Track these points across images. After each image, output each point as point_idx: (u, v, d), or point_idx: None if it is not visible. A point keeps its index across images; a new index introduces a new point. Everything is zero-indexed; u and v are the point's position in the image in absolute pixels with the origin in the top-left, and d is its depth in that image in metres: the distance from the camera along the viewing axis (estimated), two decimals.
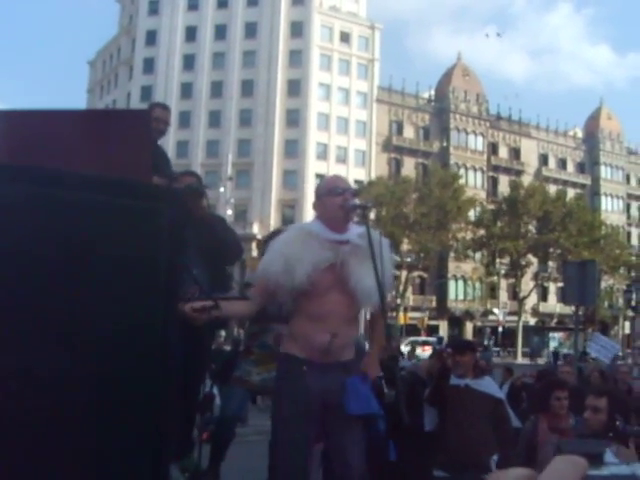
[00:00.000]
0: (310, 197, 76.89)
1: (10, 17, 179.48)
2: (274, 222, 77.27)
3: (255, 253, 65.82)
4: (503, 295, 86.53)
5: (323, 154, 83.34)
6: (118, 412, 3.42)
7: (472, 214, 77.03)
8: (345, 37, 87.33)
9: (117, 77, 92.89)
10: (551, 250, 77.57)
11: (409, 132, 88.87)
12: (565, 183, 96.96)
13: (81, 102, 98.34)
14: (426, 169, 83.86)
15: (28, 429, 3.28)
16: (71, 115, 4.74)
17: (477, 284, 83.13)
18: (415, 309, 76.06)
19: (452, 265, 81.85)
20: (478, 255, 79.70)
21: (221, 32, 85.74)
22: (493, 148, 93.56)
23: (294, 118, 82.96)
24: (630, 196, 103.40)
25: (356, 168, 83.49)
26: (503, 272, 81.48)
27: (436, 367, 8.46)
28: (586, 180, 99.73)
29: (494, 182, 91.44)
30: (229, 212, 60.76)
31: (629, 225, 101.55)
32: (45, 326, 3.32)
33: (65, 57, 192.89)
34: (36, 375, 3.27)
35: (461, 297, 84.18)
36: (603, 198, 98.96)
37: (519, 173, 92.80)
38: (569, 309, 56.69)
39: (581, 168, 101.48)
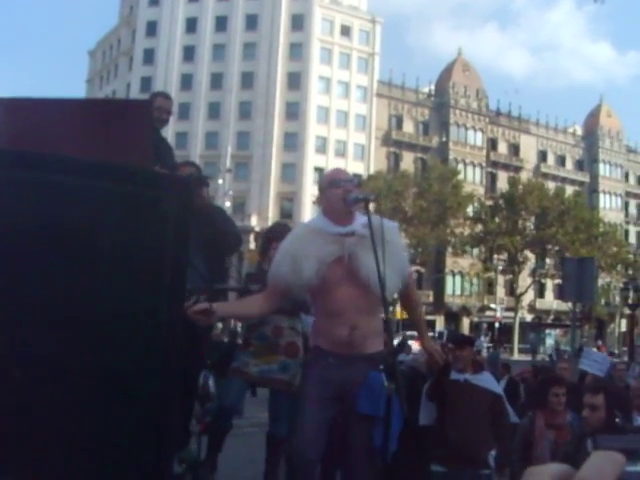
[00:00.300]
0: (309, 190, 77.27)
1: (11, 6, 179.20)
2: (272, 215, 77.29)
3: (253, 245, 65.92)
4: (500, 291, 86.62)
5: (322, 147, 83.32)
6: (121, 403, 3.40)
7: (470, 210, 77.01)
8: (346, 30, 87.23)
9: (117, 67, 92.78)
10: (549, 247, 77.60)
11: (408, 127, 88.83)
12: (564, 180, 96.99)
13: (80, 92, 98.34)
14: (425, 164, 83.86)
15: (31, 420, 3.27)
16: (72, 104, 4.72)
17: (474, 280, 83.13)
18: None
19: (450, 260, 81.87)
20: (476, 251, 79.71)
21: (222, 24, 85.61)
22: (492, 144, 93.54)
23: (294, 111, 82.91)
24: (628, 194, 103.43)
25: (355, 162, 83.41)
26: (500, 268, 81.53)
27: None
28: (585, 177, 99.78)
29: (493, 178, 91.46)
30: (227, 204, 60.68)
31: (627, 223, 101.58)
32: (45, 315, 3.30)
33: (65, 47, 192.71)
34: (38, 365, 3.25)
35: (458, 292, 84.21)
36: (601, 196, 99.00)
37: (518, 169, 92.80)
38: (566, 306, 56.88)
39: (580, 165, 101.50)
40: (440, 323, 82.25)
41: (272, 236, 7.29)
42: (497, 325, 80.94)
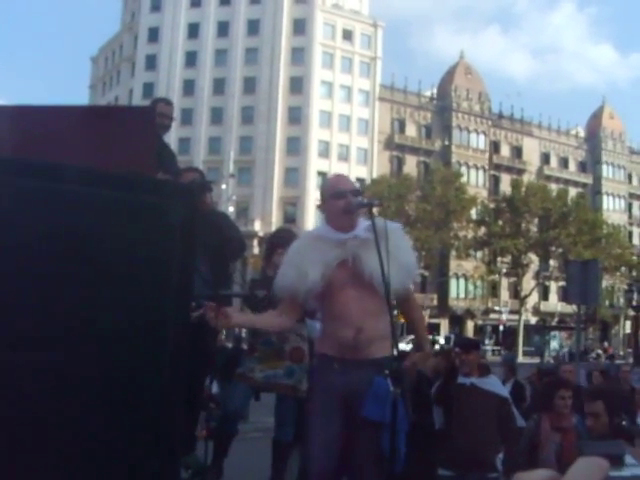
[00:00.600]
0: (312, 195, 77.17)
1: (13, 12, 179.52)
2: (275, 219, 77.30)
3: (257, 250, 65.90)
4: (504, 294, 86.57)
5: (325, 152, 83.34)
6: (127, 409, 3.40)
7: (473, 212, 76.98)
8: (347, 35, 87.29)
9: (119, 73, 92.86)
10: (552, 249, 77.53)
11: (411, 130, 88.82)
12: (567, 182, 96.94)
13: (83, 98, 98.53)
14: (428, 167, 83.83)
15: (39, 425, 3.27)
16: (75, 111, 4.73)
17: (478, 282, 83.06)
18: None
19: (453, 263, 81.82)
20: (479, 254, 79.66)
21: (223, 29, 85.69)
22: (495, 147, 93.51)
23: (296, 116, 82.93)
24: (632, 195, 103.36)
25: (358, 166, 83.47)
26: (504, 271, 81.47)
27: (443, 366, 8.44)
28: (588, 179, 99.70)
29: (496, 181, 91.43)
30: (231, 209, 60.72)
31: (630, 224, 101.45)
32: (52, 323, 3.30)
33: (68, 53, 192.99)
34: (43, 372, 3.25)
35: (462, 295, 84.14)
36: (605, 197, 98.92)
37: (521, 172, 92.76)
38: (570, 308, 56.74)
39: (583, 167, 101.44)
40: (444, 326, 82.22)
41: (276, 242, 7.29)
42: (501, 328, 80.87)
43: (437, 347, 32.99)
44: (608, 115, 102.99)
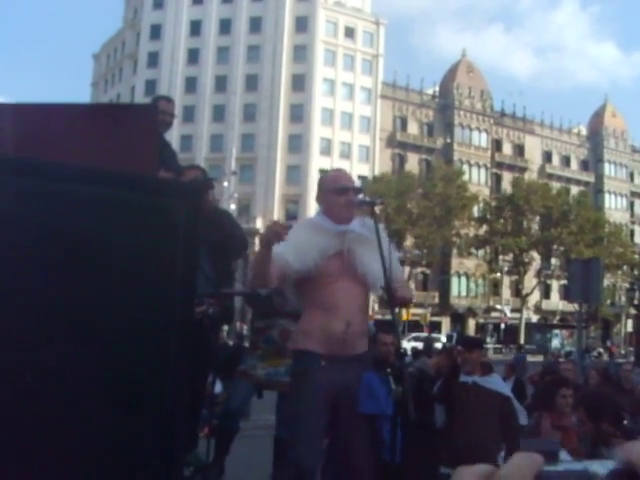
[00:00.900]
0: (313, 192, 75.87)
1: (15, 10, 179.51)
2: (277, 217, 77.16)
3: (258, 248, 65.84)
4: (506, 292, 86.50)
5: (327, 149, 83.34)
6: (130, 408, 3.40)
7: (475, 211, 76.98)
8: (350, 32, 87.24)
9: (121, 71, 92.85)
10: (554, 247, 77.52)
11: (413, 128, 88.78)
12: (569, 180, 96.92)
13: (85, 95, 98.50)
14: (430, 165, 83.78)
15: (40, 424, 3.27)
16: (77, 109, 4.72)
17: (480, 281, 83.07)
18: (418, 305, 75.86)
19: (455, 261, 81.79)
20: (481, 252, 79.63)
21: (226, 26, 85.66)
22: (497, 145, 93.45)
23: (298, 113, 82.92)
24: (634, 194, 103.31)
25: (360, 164, 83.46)
26: (506, 269, 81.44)
27: (445, 364, 8.45)
28: (590, 178, 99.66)
29: (498, 179, 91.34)
30: (232, 207, 60.71)
31: (632, 223, 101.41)
32: (56, 323, 3.30)
33: (70, 50, 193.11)
34: (49, 371, 3.25)
35: (464, 294, 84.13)
36: (607, 196, 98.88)
37: (523, 170, 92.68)
38: (572, 306, 56.66)
39: (585, 165, 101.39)
40: (446, 325, 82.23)
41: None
42: (503, 326, 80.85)
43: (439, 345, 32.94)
44: (610, 113, 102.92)
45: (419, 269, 78.25)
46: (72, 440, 3.32)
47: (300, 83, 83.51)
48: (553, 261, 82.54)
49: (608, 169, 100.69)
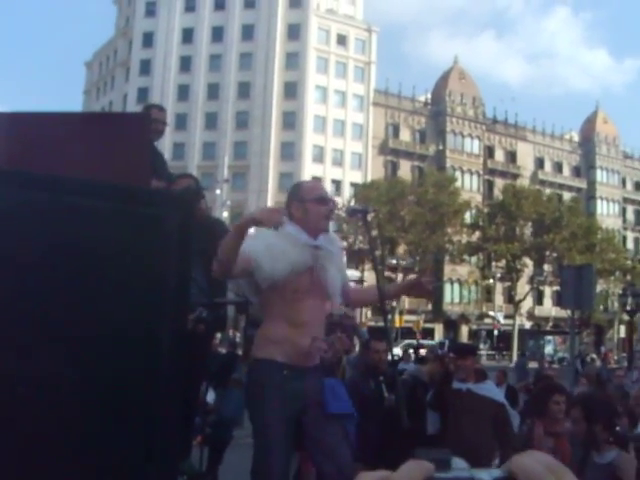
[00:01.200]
0: None
1: (7, 18, 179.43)
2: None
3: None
4: (499, 298, 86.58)
5: (319, 157, 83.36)
6: (123, 417, 3.40)
7: (468, 217, 76.99)
8: (342, 40, 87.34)
9: (114, 79, 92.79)
10: (547, 253, 77.60)
11: (405, 135, 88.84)
12: (561, 187, 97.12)
13: (77, 103, 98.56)
14: (422, 172, 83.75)
15: (34, 432, 3.27)
16: (70, 118, 4.72)
17: (473, 287, 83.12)
18: (411, 312, 75.87)
19: (448, 268, 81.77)
20: (474, 258, 79.65)
21: (218, 34, 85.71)
22: (489, 151, 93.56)
23: (290, 121, 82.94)
24: (626, 200, 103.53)
25: (352, 171, 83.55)
26: (498, 275, 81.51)
27: (438, 372, 8.46)
28: (582, 184, 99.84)
29: (490, 185, 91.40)
30: (225, 214, 60.57)
31: (625, 229, 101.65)
32: (49, 333, 3.30)
33: (62, 58, 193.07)
34: (41, 382, 3.25)
35: (457, 300, 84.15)
36: (599, 202, 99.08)
37: (515, 176, 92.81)
38: (564, 312, 56.60)
39: (577, 172, 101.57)
40: (439, 331, 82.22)
41: None
42: (496, 333, 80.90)
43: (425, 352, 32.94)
44: (602, 120, 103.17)
45: (412, 276, 78.13)
46: (63, 448, 3.32)
47: (292, 90, 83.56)
48: (546, 267, 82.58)
49: (600, 175, 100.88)
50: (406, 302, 76.67)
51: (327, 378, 5.24)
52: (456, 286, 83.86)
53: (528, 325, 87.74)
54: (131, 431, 3.43)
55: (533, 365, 38.28)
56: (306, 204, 5.20)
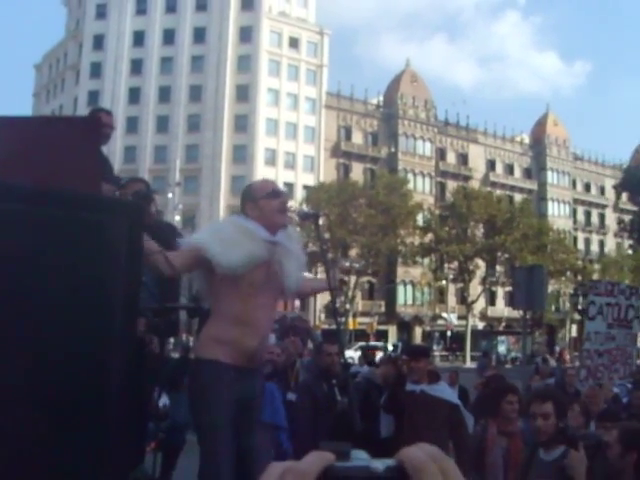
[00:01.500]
0: None
1: None
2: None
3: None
4: (451, 300, 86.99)
5: (272, 160, 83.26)
6: (74, 425, 3.36)
7: (420, 219, 77.28)
8: (294, 42, 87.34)
9: (64, 81, 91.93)
10: (499, 254, 78.16)
11: (357, 138, 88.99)
12: (512, 188, 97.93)
13: (27, 106, 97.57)
14: (374, 174, 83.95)
15: None
16: (18, 121, 4.66)
17: (426, 289, 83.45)
18: (364, 314, 76.12)
19: (401, 270, 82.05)
20: (426, 260, 79.97)
21: (169, 37, 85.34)
22: (441, 154, 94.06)
23: (242, 124, 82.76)
24: (576, 201, 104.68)
25: (305, 174, 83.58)
26: (451, 277, 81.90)
27: (391, 374, 8.47)
28: (533, 185, 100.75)
29: (442, 187, 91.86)
30: (177, 218, 60.37)
31: (575, 230, 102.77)
32: None
33: (10, 60, 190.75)
34: None
35: (410, 302, 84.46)
36: (550, 203, 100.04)
37: (467, 178, 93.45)
38: (517, 313, 57.18)
39: (528, 174, 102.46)
40: (392, 333, 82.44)
41: None
42: (449, 334, 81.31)
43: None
44: (552, 122, 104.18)
45: (365, 278, 78.39)
46: (15, 460, 3.27)
47: (244, 93, 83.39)
48: (498, 268, 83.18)
49: (551, 177, 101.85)
50: (360, 304, 76.92)
51: (267, 383, 5.22)
52: (409, 288, 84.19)
53: (481, 326, 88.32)
54: (82, 439, 3.39)
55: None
56: (259, 202, 5.22)
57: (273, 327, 5.32)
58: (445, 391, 8.10)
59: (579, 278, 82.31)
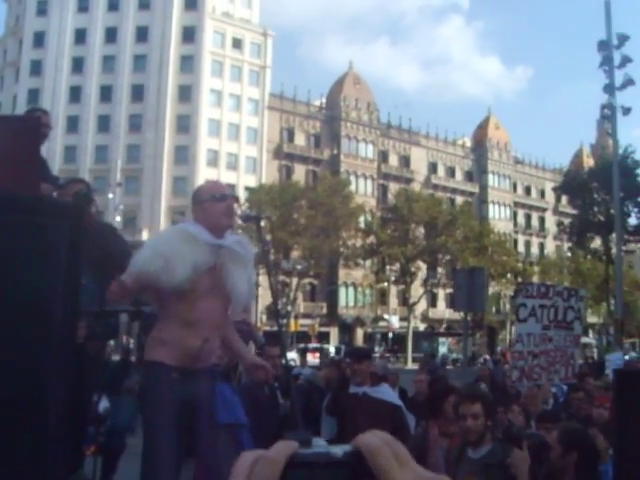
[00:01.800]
0: None
1: None
2: (164, 229, 76.56)
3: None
4: (393, 301, 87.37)
5: (214, 161, 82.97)
6: (9, 431, 3.29)
7: (362, 221, 77.51)
8: (237, 43, 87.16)
9: (3, 79, 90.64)
10: (440, 256, 78.72)
11: (300, 139, 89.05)
12: (454, 191, 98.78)
13: None
14: (316, 176, 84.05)
15: None
16: None
17: (367, 291, 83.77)
18: (306, 316, 76.16)
19: (342, 272, 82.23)
20: (368, 262, 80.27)
21: (111, 35, 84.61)
22: (383, 156, 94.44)
23: (185, 124, 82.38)
24: (517, 204, 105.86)
25: (247, 175, 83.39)
26: (393, 279, 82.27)
27: (335, 377, 8.47)
28: (474, 188, 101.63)
29: (384, 190, 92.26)
30: (118, 219, 59.94)
31: (515, 232, 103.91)
32: None
33: None
34: None
35: (352, 304, 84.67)
36: (491, 206, 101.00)
37: (409, 181, 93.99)
38: (458, 315, 57.78)
39: (469, 176, 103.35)
40: (334, 335, 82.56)
41: None
42: (391, 335, 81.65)
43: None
44: (494, 126, 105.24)
45: (306, 280, 78.45)
46: None
47: (187, 94, 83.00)
48: (439, 270, 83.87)
49: (492, 180, 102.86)
50: (301, 306, 76.95)
51: (219, 384, 5.18)
52: (351, 290, 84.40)
53: (422, 327, 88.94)
54: (19, 445, 3.32)
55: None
56: (204, 204, 5.26)
57: (222, 330, 5.24)
58: (387, 393, 8.11)
59: (519, 280, 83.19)
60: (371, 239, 77.30)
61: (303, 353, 39.22)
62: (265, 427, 7.41)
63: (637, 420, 4.10)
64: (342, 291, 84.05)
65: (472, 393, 6.65)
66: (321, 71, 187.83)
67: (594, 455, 5.72)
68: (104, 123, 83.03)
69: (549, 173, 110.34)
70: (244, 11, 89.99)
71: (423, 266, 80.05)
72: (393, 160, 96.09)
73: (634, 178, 50.60)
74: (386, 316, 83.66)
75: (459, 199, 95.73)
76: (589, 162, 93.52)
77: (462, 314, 21.51)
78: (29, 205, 3.61)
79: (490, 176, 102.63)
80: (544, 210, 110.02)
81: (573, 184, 58.63)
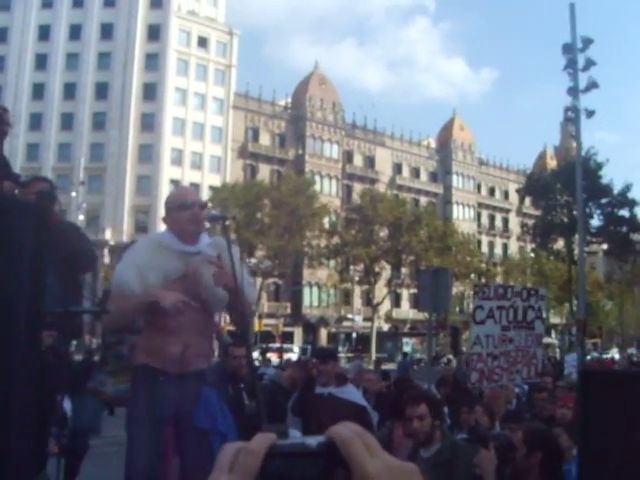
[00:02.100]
0: (164, 203, 75.26)
1: None
2: (127, 228, 76.25)
3: (108, 260, 64.80)
4: (357, 301, 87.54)
5: (178, 160, 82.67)
6: None
7: (326, 222, 77.59)
8: (202, 42, 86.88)
9: None
10: (404, 257, 78.94)
11: (265, 139, 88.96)
12: (418, 192, 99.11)
13: None
14: (281, 176, 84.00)
15: None
16: None
17: (331, 291, 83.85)
18: (270, 316, 76.11)
19: (307, 272, 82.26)
20: (332, 262, 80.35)
21: (76, 32, 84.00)
22: (348, 156, 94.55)
23: (149, 123, 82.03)
24: (480, 205, 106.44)
25: (211, 174, 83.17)
26: (357, 279, 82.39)
27: (301, 377, 8.45)
28: (439, 189, 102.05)
29: (349, 190, 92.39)
30: (81, 217, 59.50)
31: (479, 233, 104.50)
32: None
33: None
34: None
35: (316, 304, 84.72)
36: (455, 207, 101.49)
37: (373, 181, 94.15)
38: (422, 315, 57.93)
39: (434, 177, 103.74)
40: (298, 335, 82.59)
41: None
42: (355, 335, 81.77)
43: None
44: (458, 127, 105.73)
45: (271, 280, 78.41)
46: None
47: (151, 92, 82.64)
48: (403, 271, 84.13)
49: (456, 181, 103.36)
50: (265, 306, 76.87)
51: (205, 388, 5.18)
52: (315, 290, 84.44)
53: (386, 327, 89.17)
54: None
55: (389, 367, 39.05)
56: (172, 214, 5.32)
57: (204, 333, 5.26)
58: (352, 393, 8.12)
59: (483, 280, 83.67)
60: (335, 239, 77.39)
61: (264, 353, 39.25)
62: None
63: (601, 420, 4.12)
64: (306, 291, 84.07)
65: (416, 395, 6.69)
66: (287, 71, 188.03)
67: (558, 455, 5.76)
68: (68, 121, 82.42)
69: (513, 174, 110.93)
70: (210, 9, 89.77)
71: (387, 266, 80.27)
72: (358, 160, 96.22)
73: (597, 180, 50.98)
74: (350, 316, 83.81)
75: (423, 200, 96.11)
76: (552, 164, 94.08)
77: (426, 314, 21.55)
78: None
79: (454, 177, 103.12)
80: (508, 211, 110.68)
81: (537, 186, 58.91)
